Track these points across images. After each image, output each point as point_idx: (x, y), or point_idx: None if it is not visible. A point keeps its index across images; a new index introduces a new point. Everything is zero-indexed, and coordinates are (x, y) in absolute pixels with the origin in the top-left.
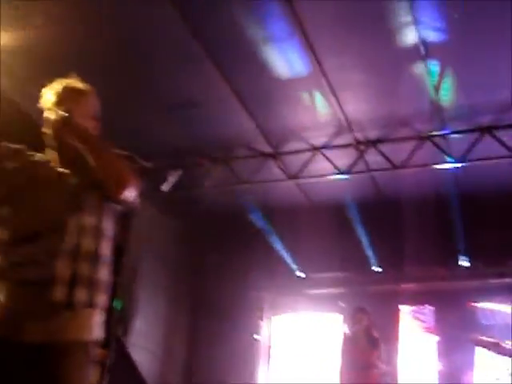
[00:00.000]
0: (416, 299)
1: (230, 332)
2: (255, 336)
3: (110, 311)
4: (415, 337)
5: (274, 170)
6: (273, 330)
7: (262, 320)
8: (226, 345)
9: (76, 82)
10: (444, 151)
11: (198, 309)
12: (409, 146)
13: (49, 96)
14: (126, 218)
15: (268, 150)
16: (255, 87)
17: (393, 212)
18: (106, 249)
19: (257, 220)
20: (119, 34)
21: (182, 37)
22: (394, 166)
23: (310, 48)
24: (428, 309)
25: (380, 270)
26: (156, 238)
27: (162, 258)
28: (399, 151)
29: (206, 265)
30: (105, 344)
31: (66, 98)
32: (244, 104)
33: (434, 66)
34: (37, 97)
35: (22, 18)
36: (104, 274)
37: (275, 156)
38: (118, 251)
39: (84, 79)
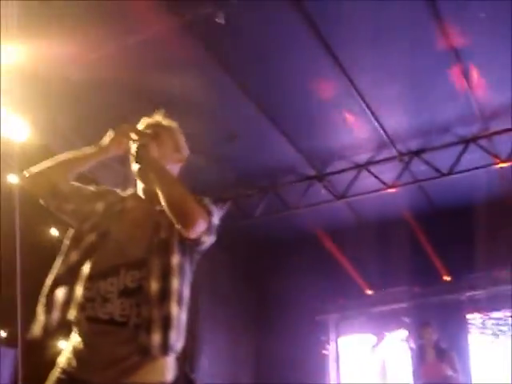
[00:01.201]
0: (484, 306)
1: (297, 359)
2: (324, 352)
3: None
4: (487, 345)
5: (321, 191)
6: (340, 351)
7: (328, 344)
8: (294, 373)
9: (159, 118)
10: (490, 152)
11: (262, 339)
12: (453, 152)
13: (131, 130)
14: None
15: (312, 172)
16: (291, 112)
17: (447, 220)
18: (187, 289)
19: (311, 243)
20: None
21: (217, 74)
22: (442, 174)
23: (340, 67)
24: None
25: (447, 279)
26: (213, 273)
27: (220, 293)
28: (445, 159)
29: (266, 294)
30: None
31: (146, 132)
32: (282, 130)
33: (468, 67)
34: (82, 148)
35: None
36: (184, 315)
37: (320, 178)
38: None
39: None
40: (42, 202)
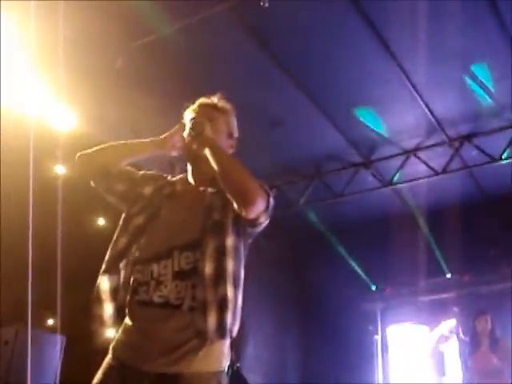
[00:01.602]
0: None
1: (343, 348)
2: (375, 337)
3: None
4: None
5: (368, 179)
6: (388, 341)
7: (376, 333)
8: (340, 362)
9: (215, 99)
10: None
11: (309, 327)
12: (505, 137)
13: (187, 115)
14: None
15: (359, 159)
16: (337, 98)
17: (498, 208)
18: (242, 271)
19: (357, 231)
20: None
21: (261, 60)
22: (493, 159)
23: (388, 50)
24: None
25: (489, 269)
26: (258, 261)
27: (266, 281)
28: (496, 144)
29: (311, 282)
30: None
31: (202, 114)
32: (328, 116)
33: None
34: (127, 138)
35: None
36: (240, 298)
37: (367, 164)
38: None
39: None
40: (92, 182)
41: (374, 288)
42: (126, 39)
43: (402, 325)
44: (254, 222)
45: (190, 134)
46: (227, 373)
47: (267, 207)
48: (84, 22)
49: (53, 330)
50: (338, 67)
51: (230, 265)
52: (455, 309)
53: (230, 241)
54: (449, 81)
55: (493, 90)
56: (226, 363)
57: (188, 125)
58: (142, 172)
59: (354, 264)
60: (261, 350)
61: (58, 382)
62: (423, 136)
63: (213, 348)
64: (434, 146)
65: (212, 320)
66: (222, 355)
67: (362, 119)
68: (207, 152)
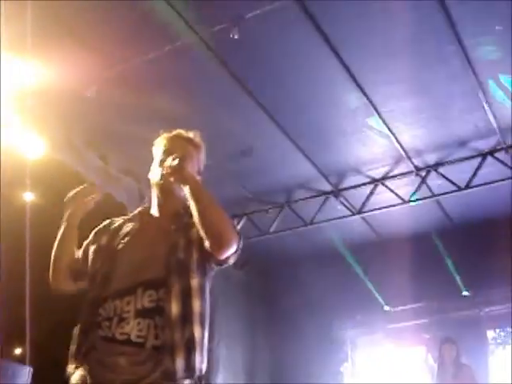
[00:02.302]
0: (504, 322)
1: (313, 376)
2: (341, 369)
3: None
4: (506, 361)
5: (337, 207)
6: (358, 368)
7: (346, 360)
8: None
9: (191, 135)
10: (508, 166)
11: (278, 355)
12: (471, 165)
13: (160, 143)
14: None
15: (328, 187)
16: (307, 127)
17: (465, 235)
18: (207, 309)
19: (329, 259)
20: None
21: (232, 89)
22: (459, 188)
23: (355, 82)
24: None
25: (466, 294)
26: (227, 291)
27: (235, 309)
28: (462, 172)
29: (281, 311)
30: None
31: (178, 148)
32: (298, 145)
33: (484, 81)
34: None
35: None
36: (206, 337)
37: (336, 193)
38: None
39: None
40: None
41: (345, 315)
42: (99, 68)
43: (372, 352)
44: (222, 262)
45: (170, 167)
46: None
47: (238, 250)
48: (54, 49)
49: (20, 359)
50: (307, 98)
51: (196, 305)
52: (425, 335)
53: (195, 281)
54: (415, 111)
55: None
56: None
57: (160, 156)
58: (94, 231)
59: (324, 292)
60: (231, 377)
61: None
62: (391, 165)
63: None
64: (401, 174)
65: (180, 361)
66: None
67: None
68: (185, 189)
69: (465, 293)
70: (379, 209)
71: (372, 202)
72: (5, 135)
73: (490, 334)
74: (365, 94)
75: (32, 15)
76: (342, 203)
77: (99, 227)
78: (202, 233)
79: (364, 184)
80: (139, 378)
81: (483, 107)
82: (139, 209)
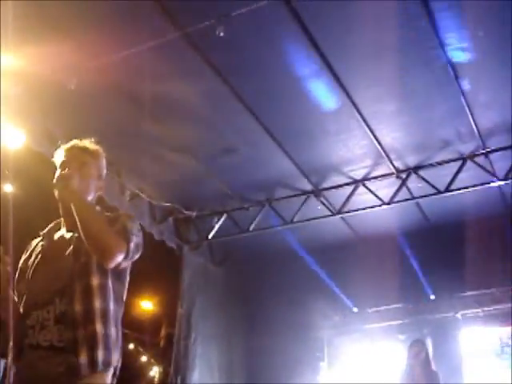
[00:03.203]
0: (476, 323)
1: (290, 375)
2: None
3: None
4: (480, 363)
5: (317, 207)
6: (334, 368)
7: (322, 360)
8: None
9: (87, 143)
10: (487, 170)
11: (256, 354)
12: (451, 169)
13: (59, 155)
14: (176, 271)
15: (309, 187)
16: (289, 126)
17: (443, 238)
18: (113, 306)
19: (307, 259)
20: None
21: (215, 86)
22: (439, 191)
23: (339, 82)
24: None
25: (434, 297)
26: (206, 287)
27: (213, 307)
28: (442, 175)
29: (259, 309)
30: None
31: (73, 158)
32: (279, 144)
33: (466, 85)
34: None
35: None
36: (114, 331)
37: (317, 193)
38: (172, 303)
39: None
40: None
41: (322, 316)
42: (80, 60)
43: (348, 352)
44: (114, 268)
45: (56, 186)
46: None
47: (127, 255)
48: (36, 40)
49: None
50: (291, 97)
51: (97, 304)
52: (401, 337)
53: (95, 281)
54: (397, 113)
55: None
56: None
57: (57, 168)
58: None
59: (302, 292)
60: (207, 377)
61: None
62: (371, 166)
63: (92, 380)
64: (381, 176)
65: (83, 357)
66: (108, 379)
67: None
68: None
69: (432, 296)
70: (358, 210)
71: (352, 203)
72: None
73: (464, 336)
74: (348, 95)
75: (14, 6)
76: (323, 203)
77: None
78: (87, 244)
79: (345, 184)
80: (56, 378)
81: (465, 111)
82: (51, 225)
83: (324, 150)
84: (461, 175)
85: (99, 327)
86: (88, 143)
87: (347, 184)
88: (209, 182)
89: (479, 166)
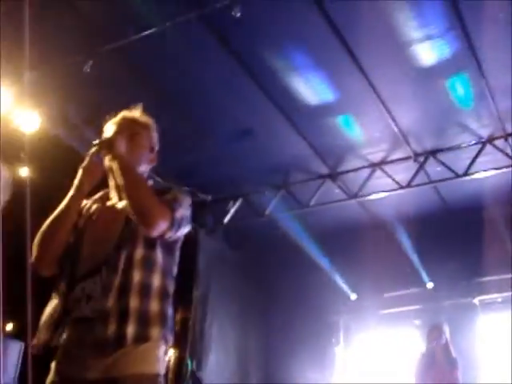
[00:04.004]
0: (494, 309)
1: (306, 357)
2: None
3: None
4: (497, 348)
5: (333, 190)
6: (350, 352)
7: (338, 344)
8: (303, 370)
9: (137, 114)
10: (507, 154)
11: (272, 337)
12: (470, 152)
13: (109, 126)
14: (192, 255)
15: (326, 170)
16: (307, 110)
17: (461, 222)
18: (158, 280)
19: (323, 243)
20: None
21: (232, 69)
22: (457, 175)
23: (358, 64)
24: None
25: (451, 283)
26: (222, 271)
27: (230, 291)
28: (460, 159)
29: (275, 293)
30: (180, 380)
31: (123, 129)
32: (297, 128)
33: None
34: (92, 140)
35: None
36: (155, 305)
37: (334, 176)
38: (188, 287)
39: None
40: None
41: (338, 300)
42: (95, 43)
43: (364, 336)
44: (160, 238)
45: (99, 147)
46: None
47: (172, 224)
48: (52, 24)
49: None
50: (308, 79)
51: (136, 276)
52: (416, 322)
53: (139, 253)
54: (415, 96)
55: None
56: (161, 367)
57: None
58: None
59: (319, 276)
60: (222, 360)
61: None
62: (389, 150)
63: (145, 352)
64: (399, 160)
65: (111, 330)
66: (156, 360)
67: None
68: (114, 166)
69: (449, 282)
70: (375, 193)
71: (369, 187)
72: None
73: (482, 321)
74: (366, 77)
75: None
76: (339, 187)
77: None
78: (131, 211)
79: (362, 168)
80: (109, 353)
81: (485, 94)
82: (101, 193)
83: (341, 133)
84: (480, 159)
85: (134, 301)
86: (138, 114)
87: (364, 167)
88: (224, 165)
89: (498, 149)
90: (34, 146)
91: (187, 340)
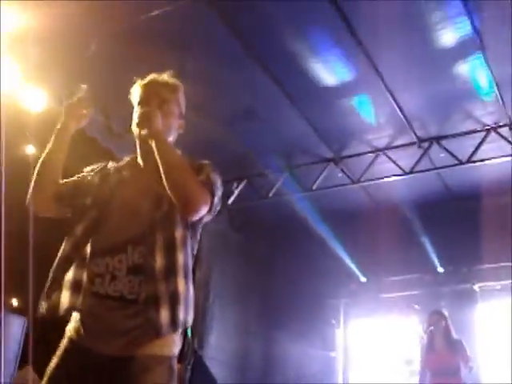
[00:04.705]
0: (494, 296)
1: (305, 340)
2: (331, 354)
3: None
4: (496, 335)
5: (337, 174)
6: (349, 336)
7: (337, 327)
8: (302, 354)
9: (166, 77)
10: (511, 142)
11: (272, 317)
12: (474, 140)
13: (136, 91)
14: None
15: (329, 154)
16: (311, 93)
17: (463, 209)
18: (191, 261)
19: (324, 227)
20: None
21: (236, 49)
22: (461, 162)
23: (362, 47)
24: None
25: (452, 269)
26: (224, 252)
27: (231, 271)
28: (464, 146)
29: (277, 275)
30: (182, 358)
31: (153, 95)
32: (301, 110)
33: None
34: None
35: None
36: (191, 288)
37: (337, 160)
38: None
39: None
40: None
41: (339, 283)
42: (100, 24)
43: (364, 320)
44: (196, 221)
45: (137, 125)
46: (189, 362)
47: (211, 208)
48: (58, 4)
49: (16, 311)
50: (313, 62)
51: (180, 258)
52: (416, 307)
53: (178, 233)
54: (421, 81)
55: None
56: (176, 350)
57: (136, 106)
58: (85, 169)
59: (320, 259)
60: (223, 339)
61: (17, 364)
62: (393, 135)
63: (165, 337)
64: (403, 145)
65: (165, 314)
66: (173, 343)
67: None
68: (152, 145)
69: (450, 268)
70: (379, 179)
71: (372, 172)
72: (6, 85)
73: (481, 308)
74: (371, 62)
75: None
76: (343, 171)
77: (91, 167)
78: (170, 195)
79: (366, 153)
80: (129, 330)
81: (489, 81)
82: (128, 158)
83: (346, 118)
84: (484, 146)
85: (181, 284)
86: (167, 77)
87: (368, 152)
88: (228, 146)
89: (503, 137)
90: (40, 124)
91: None
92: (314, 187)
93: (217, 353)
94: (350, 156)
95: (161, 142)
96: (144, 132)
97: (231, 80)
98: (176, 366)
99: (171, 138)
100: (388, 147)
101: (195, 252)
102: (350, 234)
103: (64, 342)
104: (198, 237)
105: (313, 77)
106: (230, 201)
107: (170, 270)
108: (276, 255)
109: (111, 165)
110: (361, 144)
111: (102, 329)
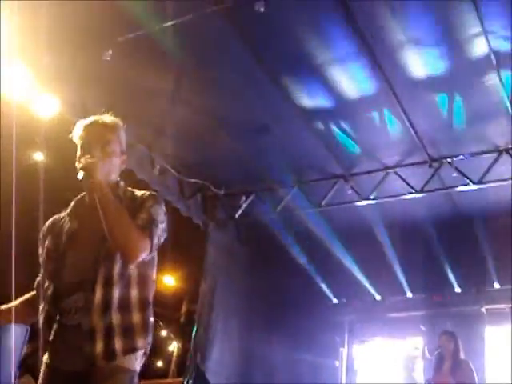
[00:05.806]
0: (502, 319)
1: (309, 357)
2: (336, 362)
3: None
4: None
5: (346, 191)
6: (354, 355)
7: (343, 347)
8: (306, 372)
9: (104, 118)
10: None
11: (276, 333)
12: (486, 161)
13: (78, 132)
14: (201, 248)
15: (339, 171)
16: (323, 109)
17: (473, 229)
18: (136, 292)
19: (332, 243)
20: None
21: (251, 64)
22: (472, 182)
23: (378, 66)
24: None
25: (460, 290)
26: (230, 265)
27: (236, 286)
28: (476, 167)
29: (282, 290)
30: (182, 371)
31: (95, 139)
32: (312, 127)
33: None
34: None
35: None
36: (137, 317)
37: (347, 177)
38: (195, 280)
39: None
40: None
41: (344, 301)
42: (115, 32)
43: (369, 339)
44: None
45: (81, 177)
46: (190, 376)
47: (150, 251)
48: (72, 11)
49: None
50: (326, 79)
51: (115, 293)
52: (422, 327)
53: (116, 269)
54: (434, 102)
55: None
56: (137, 367)
57: (78, 150)
58: (40, 235)
59: (326, 276)
60: (227, 353)
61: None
62: (404, 153)
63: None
64: (414, 164)
65: (99, 346)
66: (135, 359)
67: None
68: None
69: (457, 289)
70: (388, 197)
71: (382, 189)
72: (17, 90)
73: (489, 331)
74: (386, 80)
75: None
76: (352, 188)
77: (43, 229)
78: (111, 242)
79: (376, 171)
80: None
81: (504, 102)
82: (75, 200)
83: (357, 135)
84: (495, 168)
85: (116, 317)
86: (106, 118)
87: (379, 170)
88: (239, 161)
89: None
90: (51, 131)
91: (191, 332)
92: (323, 203)
93: (220, 367)
94: (360, 173)
95: (101, 195)
96: (86, 182)
97: (244, 94)
98: (137, 380)
99: (115, 175)
100: (398, 165)
101: (153, 275)
102: (357, 251)
103: (43, 366)
104: (154, 259)
105: (326, 94)
106: (238, 214)
107: (106, 305)
108: (282, 270)
109: (60, 217)
110: (371, 161)
111: (64, 350)
